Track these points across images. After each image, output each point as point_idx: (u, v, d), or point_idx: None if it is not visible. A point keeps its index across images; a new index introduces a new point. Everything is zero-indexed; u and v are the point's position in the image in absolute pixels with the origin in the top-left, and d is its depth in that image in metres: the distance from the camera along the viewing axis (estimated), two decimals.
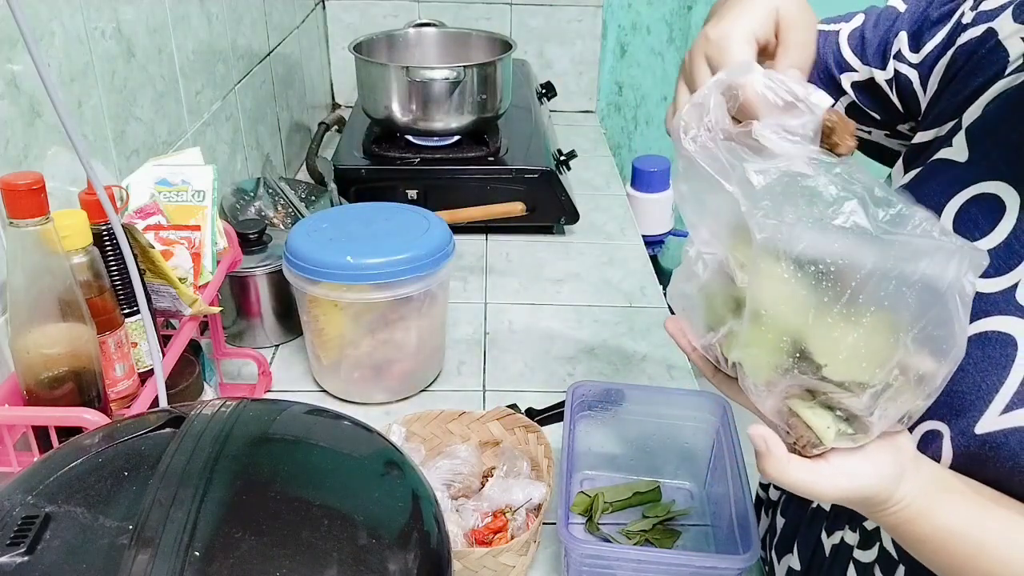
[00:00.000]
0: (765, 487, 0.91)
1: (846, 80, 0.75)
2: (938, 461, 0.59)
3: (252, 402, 0.59)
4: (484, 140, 1.51)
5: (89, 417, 0.66)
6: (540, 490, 0.82)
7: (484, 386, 1.10)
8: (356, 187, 1.43)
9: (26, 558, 0.45)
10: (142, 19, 1.02)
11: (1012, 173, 0.59)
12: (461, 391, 1.09)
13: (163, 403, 0.75)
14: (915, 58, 0.70)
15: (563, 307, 1.28)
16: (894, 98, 0.73)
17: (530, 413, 1.00)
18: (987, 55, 0.64)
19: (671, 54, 2.16)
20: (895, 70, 0.71)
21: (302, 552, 0.46)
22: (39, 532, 0.46)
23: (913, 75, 0.70)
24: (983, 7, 0.66)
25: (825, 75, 0.76)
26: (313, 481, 0.53)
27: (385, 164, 1.46)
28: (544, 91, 1.86)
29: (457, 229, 1.11)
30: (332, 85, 2.07)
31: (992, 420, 0.56)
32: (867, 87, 0.74)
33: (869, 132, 0.77)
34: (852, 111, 0.75)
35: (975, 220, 0.60)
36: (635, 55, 2.16)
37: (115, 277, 0.75)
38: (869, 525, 0.69)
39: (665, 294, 1.35)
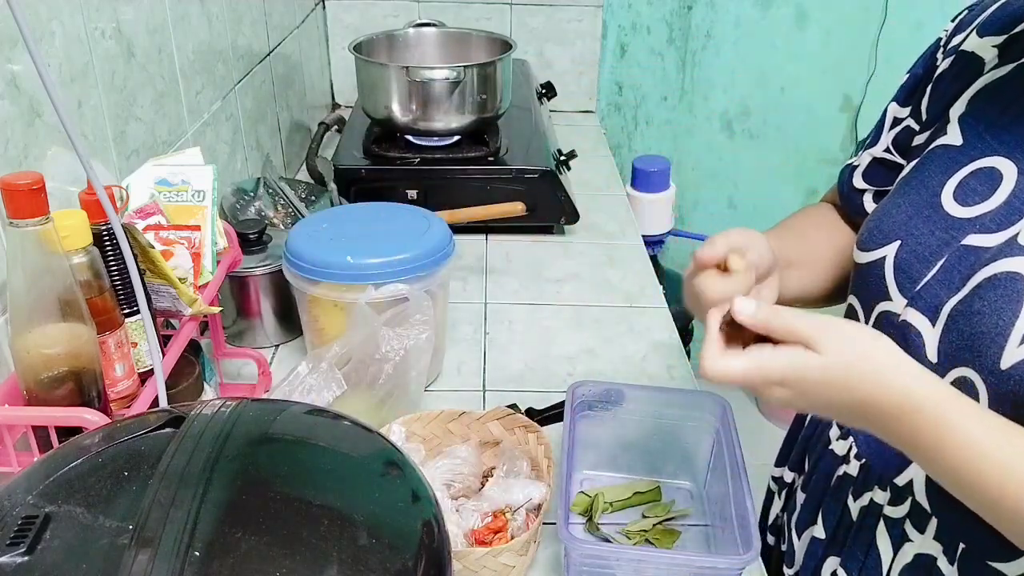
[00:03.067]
0: (778, 476, 0.91)
1: (857, 178, 0.86)
2: None
3: (252, 402, 0.59)
4: (484, 140, 1.51)
5: (89, 417, 0.66)
6: (540, 490, 0.82)
7: (484, 386, 1.10)
8: (356, 187, 1.43)
9: (26, 558, 0.45)
10: (142, 19, 1.02)
11: (1006, 148, 0.68)
12: (461, 391, 1.09)
13: (163, 403, 0.75)
14: (907, 111, 0.81)
15: (563, 307, 1.28)
16: (896, 157, 0.82)
17: (530, 413, 1.00)
18: (964, 66, 0.75)
19: (671, 54, 2.17)
20: (892, 137, 0.82)
21: (302, 552, 0.46)
22: (39, 532, 0.46)
23: (910, 121, 0.81)
24: (951, 45, 0.77)
25: (848, 192, 0.87)
26: (313, 481, 0.53)
27: (385, 164, 1.46)
28: (544, 91, 1.86)
29: (457, 229, 1.11)
30: (332, 85, 2.07)
31: (1014, 352, 0.59)
32: (873, 166, 0.84)
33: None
34: (878, 197, 0.84)
35: (974, 189, 0.68)
36: (635, 55, 2.16)
37: (115, 277, 0.75)
38: (900, 481, 0.70)
39: (664, 293, 1.35)
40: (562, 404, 0.89)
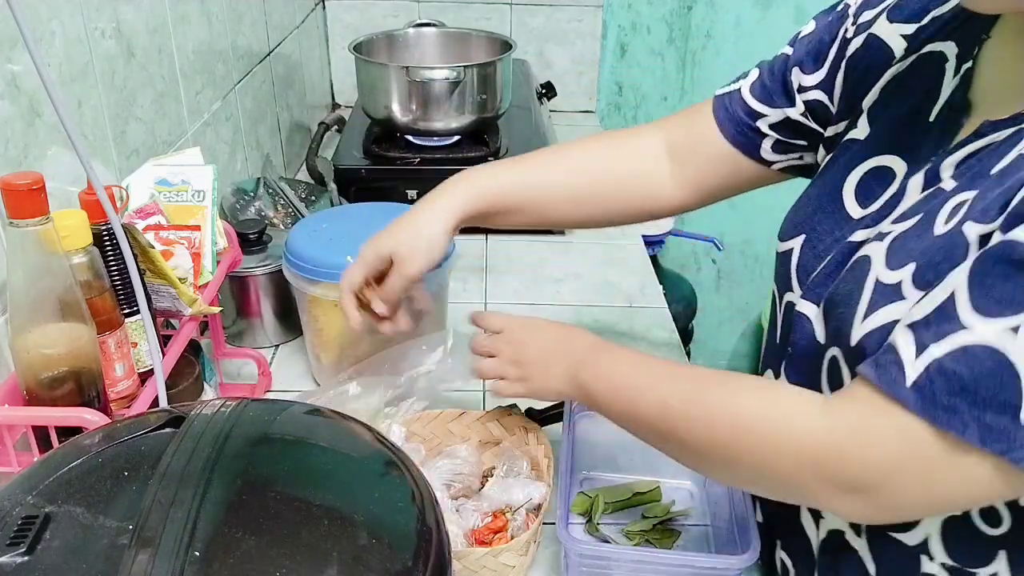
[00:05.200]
0: None
1: (763, 124, 0.84)
2: (842, 384, 0.64)
3: (252, 402, 0.59)
4: (484, 140, 1.51)
5: (89, 417, 0.66)
6: (540, 490, 0.82)
7: (484, 386, 1.10)
8: (356, 187, 1.43)
9: (26, 558, 0.45)
10: (142, 19, 1.02)
11: (900, 147, 0.68)
12: (461, 391, 1.09)
13: (163, 403, 0.75)
14: (815, 79, 0.80)
15: (563, 307, 1.28)
16: (812, 124, 0.81)
17: (530, 413, 1.00)
18: (875, 54, 0.74)
19: (671, 54, 2.17)
20: (804, 102, 0.81)
21: (302, 552, 0.46)
22: (39, 532, 0.46)
23: (820, 95, 0.79)
24: (860, 20, 0.76)
25: (741, 127, 0.85)
26: (313, 481, 0.53)
27: (385, 164, 1.45)
28: (544, 91, 1.86)
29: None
30: (332, 85, 2.07)
31: (858, 329, 0.61)
32: (784, 125, 0.83)
33: (800, 157, 0.85)
34: (779, 147, 0.85)
35: (872, 189, 0.69)
36: (635, 55, 2.16)
37: (115, 277, 0.75)
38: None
39: (664, 293, 1.35)
40: (562, 404, 0.89)
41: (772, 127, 0.83)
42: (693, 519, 0.89)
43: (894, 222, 0.64)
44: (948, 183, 0.61)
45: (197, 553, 0.45)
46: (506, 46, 1.54)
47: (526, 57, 2.00)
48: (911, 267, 0.59)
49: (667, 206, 0.92)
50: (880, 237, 0.63)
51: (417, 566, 0.49)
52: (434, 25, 1.70)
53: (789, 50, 0.83)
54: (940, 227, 0.58)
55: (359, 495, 0.53)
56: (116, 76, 0.96)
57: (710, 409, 0.64)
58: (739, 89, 0.86)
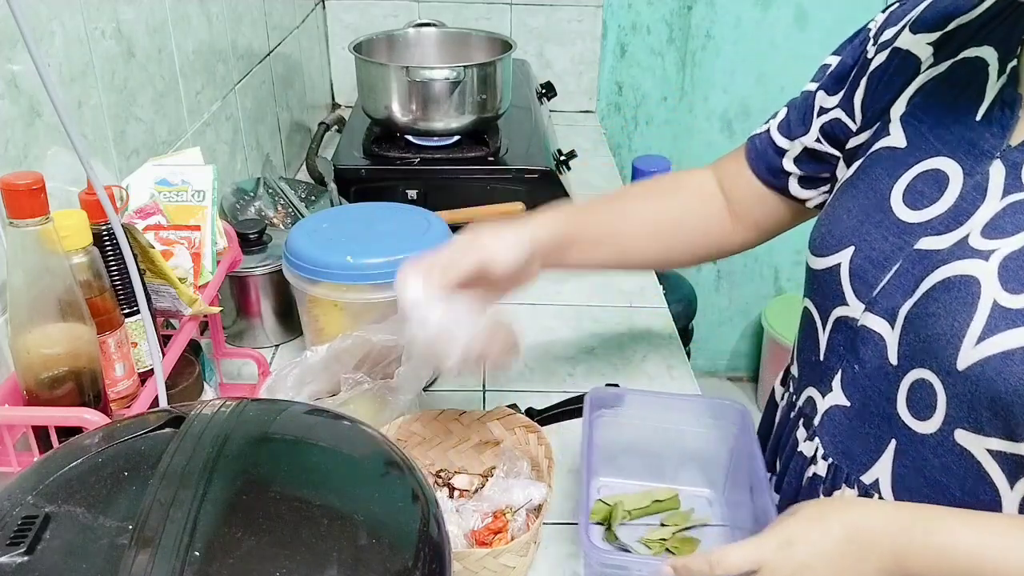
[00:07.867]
0: None
1: (787, 161, 0.86)
2: (934, 409, 0.63)
3: (252, 402, 0.59)
4: (484, 140, 1.51)
5: (89, 417, 0.66)
6: (540, 490, 0.82)
7: (484, 386, 1.10)
8: (356, 187, 1.43)
9: (26, 558, 0.45)
10: (142, 19, 1.02)
11: (948, 148, 0.68)
12: (461, 391, 1.09)
13: (163, 403, 0.75)
14: (835, 100, 0.81)
15: (563, 307, 1.28)
16: (828, 148, 0.83)
17: (530, 413, 1.00)
18: (900, 64, 0.75)
19: (671, 54, 2.17)
20: (819, 125, 0.83)
21: (302, 552, 0.46)
22: (39, 532, 0.46)
23: (839, 113, 0.81)
24: (882, 39, 0.78)
25: (768, 165, 0.88)
26: (313, 481, 0.53)
27: (385, 164, 1.45)
28: (544, 91, 1.86)
29: (457, 229, 1.11)
30: (332, 85, 2.07)
31: (969, 353, 0.60)
32: (804, 155, 0.85)
33: (830, 191, 0.85)
34: (805, 182, 0.87)
35: (922, 192, 0.69)
36: (635, 55, 2.17)
37: (115, 277, 0.75)
38: (867, 479, 0.71)
39: (664, 293, 1.34)
40: (562, 404, 0.89)
41: (795, 161, 0.85)
42: (712, 526, 0.88)
43: (987, 235, 0.63)
44: None
45: (197, 553, 0.45)
46: (506, 46, 1.54)
47: (526, 57, 2.00)
48: None
49: (733, 242, 0.93)
50: (982, 256, 0.62)
51: (417, 566, 0.49)
52: (434, 25, 1.70)
53: (812, 85, 0.85)
54: None
55: (359, 495, 0.53)
56: (116, 76, 0.96)
57: None
58: (768, 129, 0.89)
